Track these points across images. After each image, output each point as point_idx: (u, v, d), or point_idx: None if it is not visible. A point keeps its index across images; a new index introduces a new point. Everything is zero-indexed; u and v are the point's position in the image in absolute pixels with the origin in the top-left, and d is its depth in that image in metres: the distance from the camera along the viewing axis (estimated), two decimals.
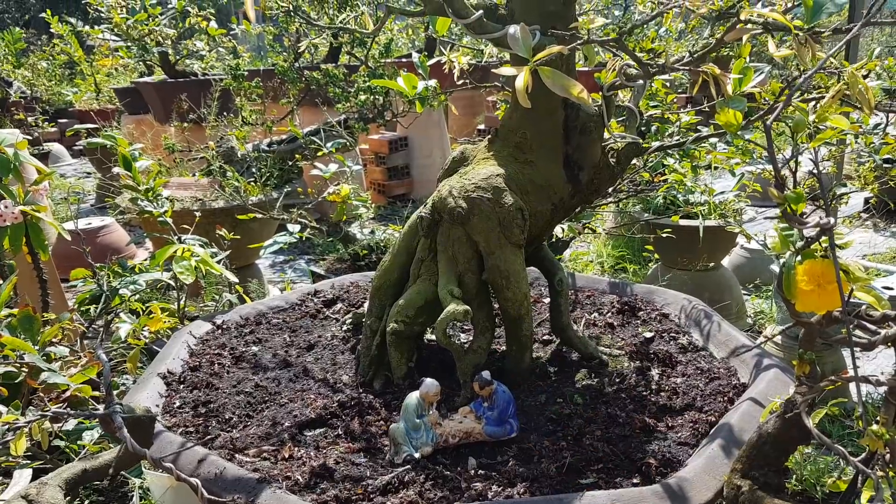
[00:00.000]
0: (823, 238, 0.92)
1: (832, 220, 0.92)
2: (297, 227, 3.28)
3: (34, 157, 2.53)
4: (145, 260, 3.91)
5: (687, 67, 1.21)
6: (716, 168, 3.42)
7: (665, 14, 1.82)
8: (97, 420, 1.27)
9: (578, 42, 1.14)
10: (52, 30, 7.05)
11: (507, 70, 1.05)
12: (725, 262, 3.95)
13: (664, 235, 3.24)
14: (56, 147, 9.46)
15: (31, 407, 2.01)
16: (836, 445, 0.97)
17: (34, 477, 2.10)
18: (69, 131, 3.45)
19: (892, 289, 2.87)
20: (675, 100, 3.03)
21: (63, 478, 1.32)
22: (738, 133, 0.96)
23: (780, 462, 1.16)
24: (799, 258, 0.97)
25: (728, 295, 3.69)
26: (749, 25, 1.04)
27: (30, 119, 7.84)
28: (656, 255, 3.87)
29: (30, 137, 5.58)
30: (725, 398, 1.55)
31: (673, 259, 3.71)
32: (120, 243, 4.85)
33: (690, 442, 1.42)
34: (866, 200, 5.36)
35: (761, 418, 1.38)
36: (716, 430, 1.39)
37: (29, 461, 2.04)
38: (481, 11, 1.36)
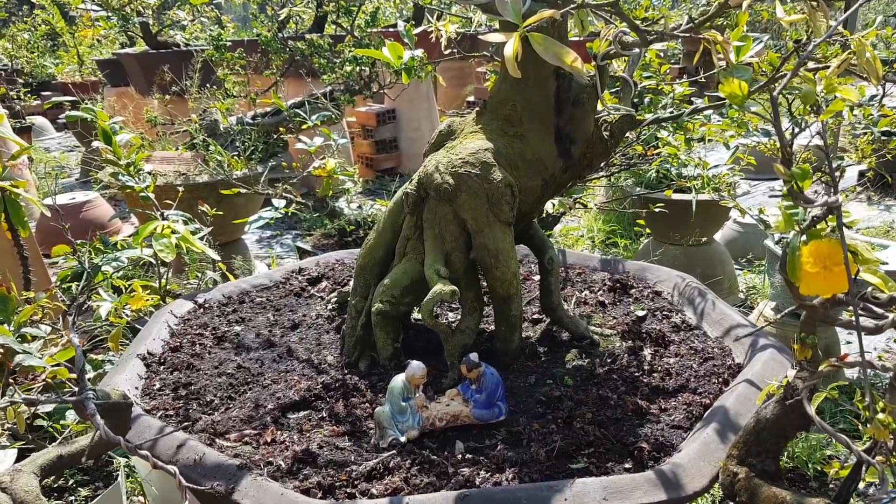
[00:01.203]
0: (830, 217, 0.87)
1: (839, 198, 0.87)
2: (283, 203, 3.21)
3: (12, 132, 2.44)
4: (129, 236, 3.82)
5: (687, 34, 1.15)
6: (710, 140, 3.37)
7: None
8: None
9: (571, 7, 1.07)
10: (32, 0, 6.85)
11: (495, 36, 0.98)
12: (718, 236, 3.91)
13: (657, 210, 3.19)
14: (39, 120, 9.28)
15: (10, 387, 1.96)
16: (839, 434, 0.93)
17: (19, 457, 2.06)
18: (46, 104, 3.35)
19: (886, 263, 2.84)
20: (668, 70, 2.97)
21: (38, 464, 1.27)
22: (743, 105, 0.90)
23: (778, 448, 1.12)
24: (804, 238, 0.92)
25: (720, 269, 3.66)
26: None
27: (11, 92, 7.65)
28: (648, 230, 3.83)
29: (6, 112, 5.41)
30: (720, 379, 1.51)
31: (665, 233, 3.66)
32: (104, 218, 4.75)
33: (684, 425, 1.38)
34: (861, 174, 5.33)
35: (758, 401, 1.34)
36: (710, 413, 1.35)
37: (13, 441, 1.99)
38: None
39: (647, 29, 1.17)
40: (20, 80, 8.57)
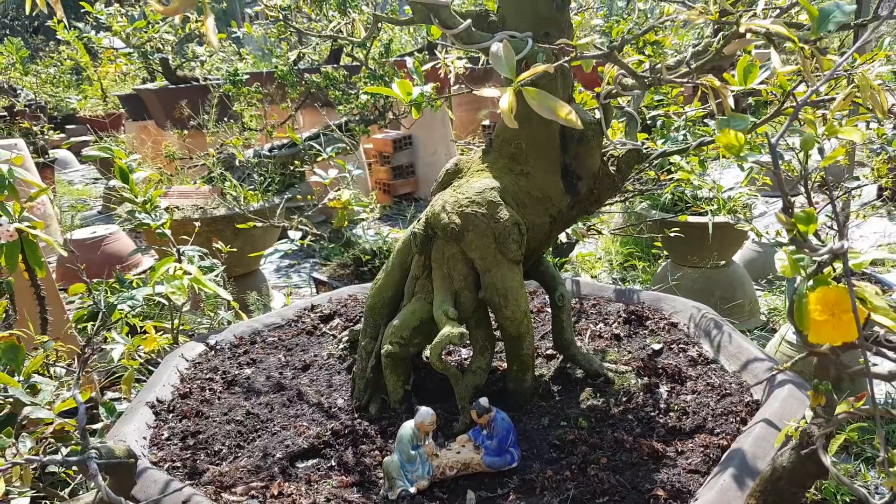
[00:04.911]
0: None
1: (845, 245, 0.84)
2: (298, 235, 3.22)
3: (29, 171, 2.47)
4: (144, 271, 3.83)
5: (685, 80, 1.13)
6: (724, 158, 3.32)
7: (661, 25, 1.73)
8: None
9: (567, 59, 1.06)
10: (58, 36, 6.98)
11: (490, 91, 0.98)
12: (737, 257, 3.85)
13: (672, 235, 3.15)
14: (62, 154, 9.44)
15: (23, 433, 1.97)
16: (856, 487, 0.89)
17: None
18: (65, 144, 3.41)
19: None
20: (681, 91, 2.93)
21: None
22: (740, 156, 0.88)
23: (795, 498, 1.08)
24: (811, 284, 0.89)
25: (740, 292, 3.60)
26: (749, 36, 0.95)
27: (35, 128, 7.80)
28: (665, 253, 3.78)
29: (19, 152, 5.48)
30: (738, 418, 1.47)
31: (683, 257, 3.62)
32: (125, 251, 4.77)
33: (701, 469, 1.34)
34: (880, 188, 5.23)
35: (776, 443, 1.30)
36: (727, 456, 1.31)
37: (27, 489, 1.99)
38: (468, 21, 1.29)
39: (644, 75, 1.16)
40: (43, 117, 8.71)
